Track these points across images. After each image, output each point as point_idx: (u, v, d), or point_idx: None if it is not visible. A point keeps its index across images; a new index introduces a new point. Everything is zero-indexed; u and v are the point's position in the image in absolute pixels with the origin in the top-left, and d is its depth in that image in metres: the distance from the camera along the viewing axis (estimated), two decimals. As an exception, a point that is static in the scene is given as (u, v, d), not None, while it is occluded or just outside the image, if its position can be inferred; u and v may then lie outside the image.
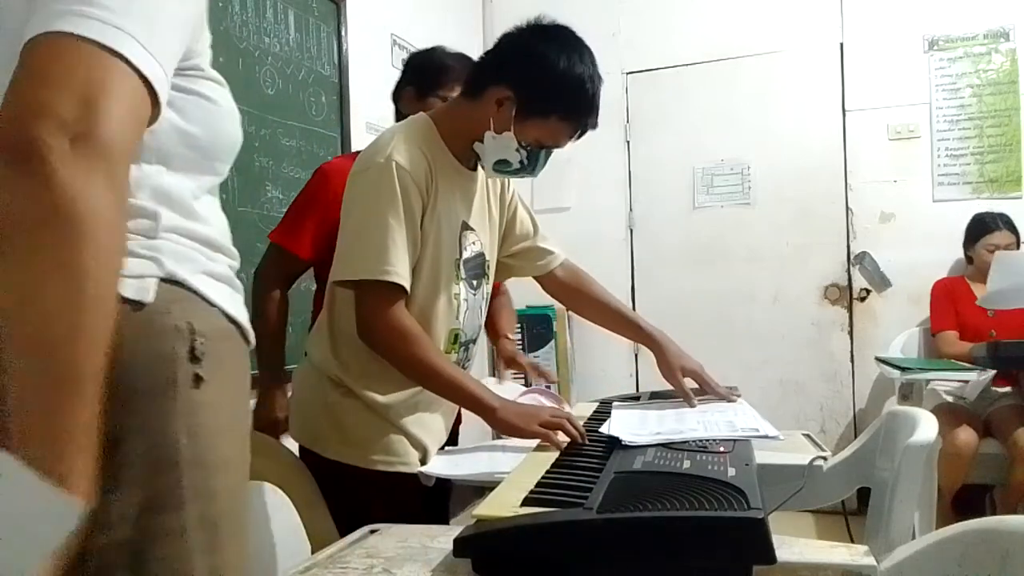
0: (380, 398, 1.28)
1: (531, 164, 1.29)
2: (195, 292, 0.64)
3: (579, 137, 1.31)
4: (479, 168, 1.37)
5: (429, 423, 1.35)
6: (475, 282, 1.40)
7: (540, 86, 1.23)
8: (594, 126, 1.30)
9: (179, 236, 0.65)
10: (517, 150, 1.26)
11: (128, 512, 0.57)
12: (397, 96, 1.79)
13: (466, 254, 1.35)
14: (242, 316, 0.69)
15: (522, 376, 3.22)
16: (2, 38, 0.57)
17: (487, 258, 1.43)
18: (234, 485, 0.66)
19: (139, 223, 0.62)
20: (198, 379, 0.61)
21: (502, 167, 1.30)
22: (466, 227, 1.36)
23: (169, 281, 0.62)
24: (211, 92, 0.68)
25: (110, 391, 0.54)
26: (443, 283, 1.31)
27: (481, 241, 1.41)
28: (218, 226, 0.71)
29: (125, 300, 0.58)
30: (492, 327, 1.88)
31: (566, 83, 1.23)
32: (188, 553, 0.60)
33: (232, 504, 0.65)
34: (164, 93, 0.58)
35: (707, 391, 1.51)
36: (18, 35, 0.54)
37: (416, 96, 1.70)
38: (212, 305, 0.66)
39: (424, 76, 1.69)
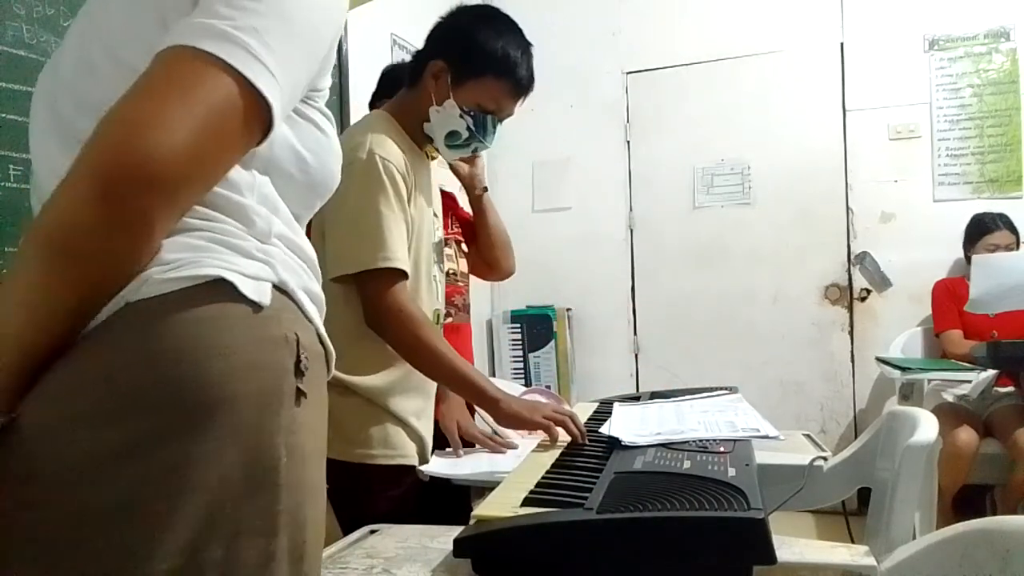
0: (373, 380, 1.29)
1: (480, 131, 1.34)
2: (298, 305, 0.61)
3: (523, 100, 1.37)
4: (430, 157, 1.44)
5: (423, 408, 1.37)
6: (442, 265, 1.47)
7: (468, 48, 1.30)
8: (530, 83, 1.36)
9: (286, 247, 0.63)
10: (461, 116, 1.32)
11: (217, 534, 0.52)
12: (373, 106, 1.87)
13: (435, 238, 1.41)
14: (328, 342, 0.67)
15: (522, 375, 3.20)
16: (117, 69, 0.57)
17: (443, 240, 1.51)
18: (320, 515, 0.62)
19: (255, 224, 0.60)
20: (300, 395, 0.57)
21: (453, 140, 1.35)
22: (434, 214, 1.42)
23: (278, 289, 0.59)
24: (324, 125, 0.69)
25: (212, 393, 0.52)
26: (424, 266, 1.36)
27: (440, 226, 1.48)
28: (312, 250, 0.69)
29: (246, 300, 0.55)
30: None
31: (492, 41, 1.30)
32: None
33: (316, 535, 0.61)
34: (278, 124, 0.58)
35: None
36: (132, 69, 0.54)
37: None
38: (311, 322, 0.63)
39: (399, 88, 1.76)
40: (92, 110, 0.53)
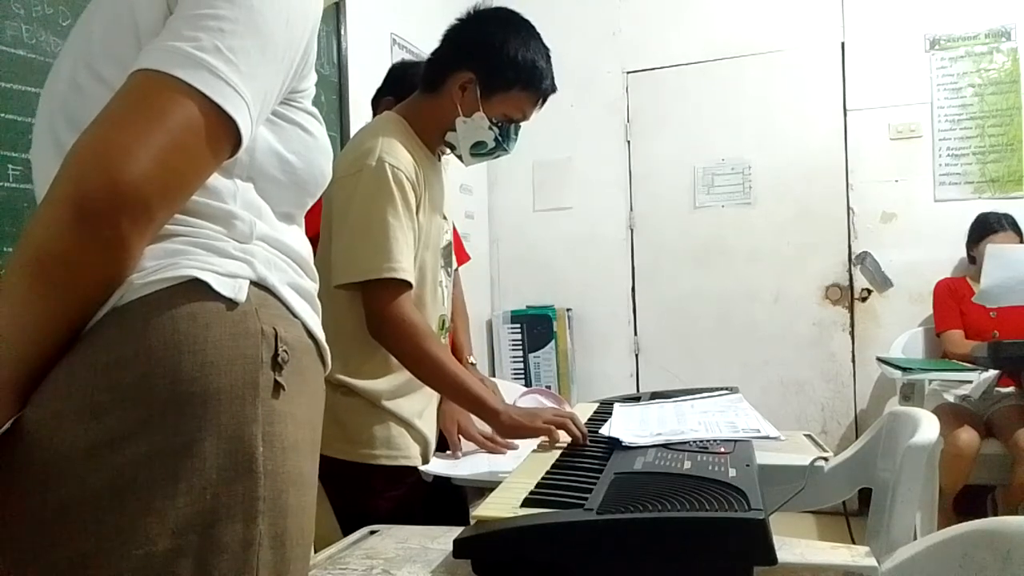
0: (377, 384, 1.29)
1: (504, 140, 1.35)
2: (281, 301, 0.64)
3: (541, 105, 1.38)
4: (441, 159, 1.43)
5: (425, 407, 1.37)
6: (449, 269, 1.46)
7: (498, 61, 1.30)
8: (553, 90, 1.37)
9: (269, 245, 0.65)
10: (490, 128, 1.33)
11: (197, 519, 0.54)
12: (376, 103, 1.87)
13: (442, 242, 1.40)
14: (321, 335, 0.69)
15: (522, 375, 3.18)
16: (99, 87, 0.61)
17: (452, 243, 1.50)
18: (306, 504, 0.64)
19: (235, 227, 0.63)
20: (278, 387, 0.60)
21: (478, 150, 1.36)
22: (443, 217, 1.41)
23: (259, 286, 0.62)
24: (309, 126, 0.70)
25: (188, 387, 0.55)
26: (430, 273, 1.35)
27: (449, 229, 1.47)
28: (304, 248, 0.71)
29: (220, 298, 0.58)
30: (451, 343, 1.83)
31: (521, 54, 1.30)
32: (254, 570, 0.57)
33: (301, 523, 0.62)
34: (247, 139, 0.60)
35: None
36: (111, 88, 0.57)
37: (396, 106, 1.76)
38: (296, 317, 0.65)
39: (405, 88, 1.74)
40: (79, 128, 0.55)
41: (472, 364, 1.73)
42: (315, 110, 0.72)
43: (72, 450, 0.53)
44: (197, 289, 0.58)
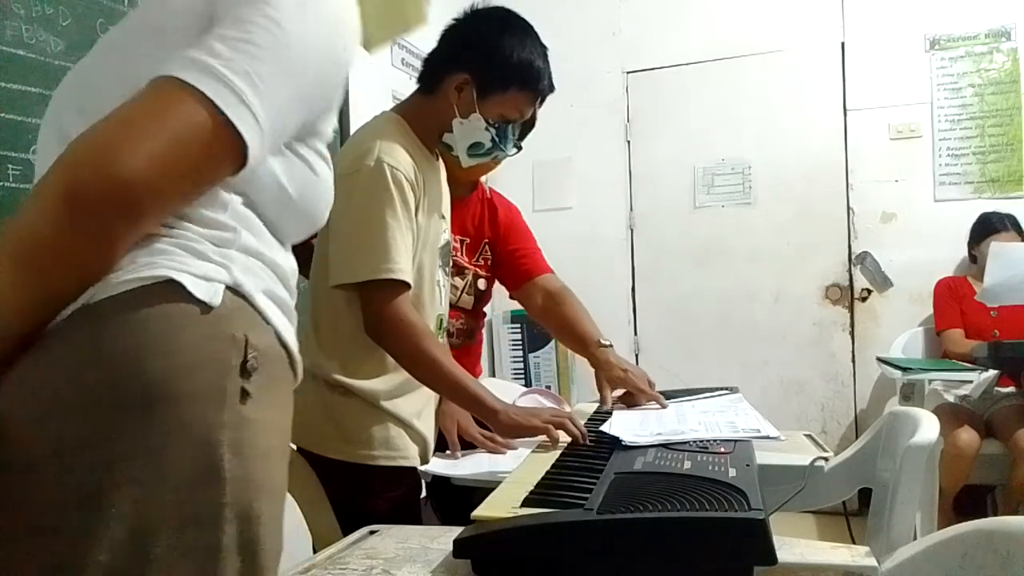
0: (376, 384, 1.29)
1: (502, 141, 1.35)
2: (255, 307, 0.63)
3: (540, 104, 1.37)
4: (439, 159, 1.42)
5: (424, 407, 1.37)
6: (447, 268, 1.46)
7: (493, 62, 1.29)
8: (551, 89, 1.36)
9: (250, 255, 0.65)
10: (486, 129, 1.32)
11: (162, 526, 0.53)
12: None
13: (440, 242, 1.40)
14: (293, 346, 0.68)
15: (522, 375, 3.17)
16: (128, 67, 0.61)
17: (451, 243, 1.50)
18: (275, 512, 0.63)
19: (216, 234, 0.62)
20: (245, 394, 0.59)
21: (476, 151, 1.35)
22: (441, 216, 1.40)
23: (233, 291, 0.61)
24: (316, 166, 0.70)
25: (154, 390, 0.54)
26: (428, 273, 1.35)
27: (447, 228, 1.46)
28: (287, 263, 0.70)
29: (194, 300, 0.57)
30: (574, 335, 1.76)
31: (516, 54, 1.30)
32: None
33: (271, 531, 0.61)
34: (254, 160, 0.60)
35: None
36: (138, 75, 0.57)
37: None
38: (268, 324, 0.64)
39: None
40: (87, 114, 0.55)
41: (608, 346, 1.69)
42: (327, 154, 0.72)
43: (37, 451, 0.52)
44: (171, 290, 0.57)
